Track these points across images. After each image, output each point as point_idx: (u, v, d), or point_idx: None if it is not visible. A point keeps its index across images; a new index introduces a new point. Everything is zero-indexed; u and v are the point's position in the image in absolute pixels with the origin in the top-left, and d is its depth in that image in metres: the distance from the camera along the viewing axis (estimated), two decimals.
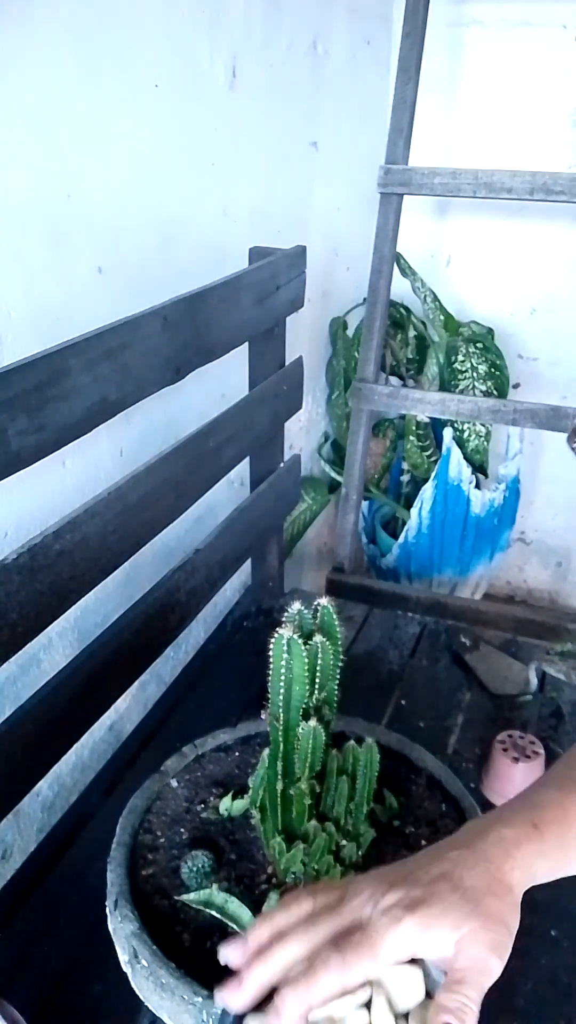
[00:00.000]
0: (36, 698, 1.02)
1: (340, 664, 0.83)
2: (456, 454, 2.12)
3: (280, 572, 1.75)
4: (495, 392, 2.13)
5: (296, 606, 0.80)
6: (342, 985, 0.54)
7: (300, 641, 0.76)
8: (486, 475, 2.23)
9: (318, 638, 0.79)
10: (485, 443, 2.18)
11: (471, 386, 2.13)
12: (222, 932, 0.81)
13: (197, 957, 0.79)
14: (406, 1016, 0.56)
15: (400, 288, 2.01)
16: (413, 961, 0.56)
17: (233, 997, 0.57)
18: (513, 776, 1.18)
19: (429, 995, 0.57)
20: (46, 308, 1.10)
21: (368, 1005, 0.56)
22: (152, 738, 1.33)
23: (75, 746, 1.11)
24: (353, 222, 2.09)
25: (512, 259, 2.30)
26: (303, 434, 2.14)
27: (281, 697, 0.79)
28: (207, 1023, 0.72)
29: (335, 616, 0.82)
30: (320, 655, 0.80)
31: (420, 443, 2.20)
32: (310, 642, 0.79)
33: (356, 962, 0.54)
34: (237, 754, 1.03)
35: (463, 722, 1.36)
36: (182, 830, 0.93)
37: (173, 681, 1.51)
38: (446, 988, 0.54)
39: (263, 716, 0.82)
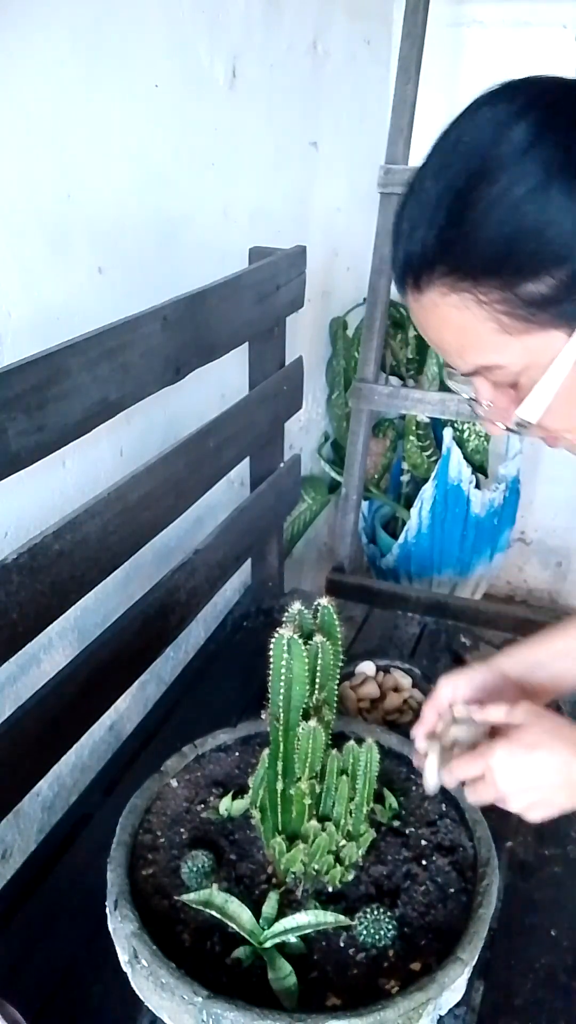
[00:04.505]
0: (36, 698, 1.02)
1: (340, 664, 0.83)
2: (456, 454, 2.12)
3: (280, 572, 1.75)
4: None
5: (296, 606, 0.80)
6: None
7: (300, 641, 0.76)
8: (486, 475, 2.23)
9: (318, 638, 0.79)
10: (485, 443, 2.18)
11: None
12: (222, 932, 0.81)
13: (197, 957, 0.79)
14: None
15: None
16: None
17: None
18: None
19: None
20: (46, 308, 1.10)
21: None
22: (152, 738, 1.33)
23: (75, 746, 1.11)
24: (353, 222, 2.09)
25: None
26: (303, 434, 2.14)
27: (281, 697, 0.78)
28: (207, 1023, 0.72)
29: (335, 616, 0.82)
30: (320, 655, 0.80)
31: (420, 443, 2.20)
32: (310, 642, 0.79)
33: None
34: (237, 754, 1.03)
35: None
36: (182, 830, 0.93)
37: (173, 681, 1.51)
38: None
39: (263, 716, 0.82)
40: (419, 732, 0.88)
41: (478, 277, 0.62)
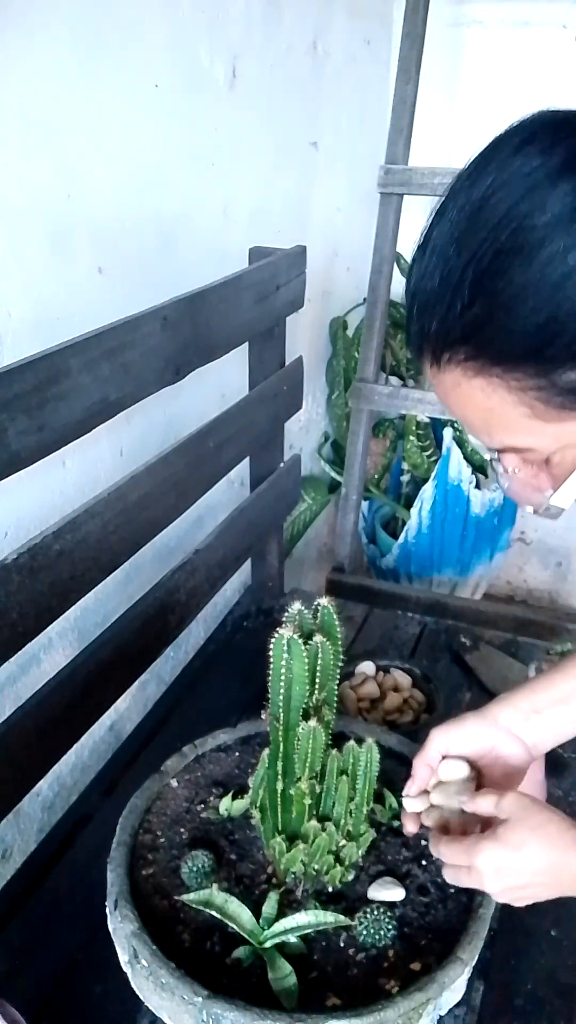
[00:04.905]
0: (36, 698, 1.02)
1: (340, 664, 0.83)
2: (456, 454, 2.12)
3: (280, 572, 1.75)
4: None
5: (296, 606, 0.80)
6: None
7: (300, 641, 0.76)
8: (486, 475, 2.23)
9: (318, 638, 0.79)
10: None
11: None
12: (222, 932, 0.81)
13: (197, 957, 0.79)
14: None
15: (400, 288, 2.00)
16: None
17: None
18: None
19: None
20: (46, 308, 1.10)
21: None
22: (152, 738, 1.33)
23: (75, 746, 1.11)
24: (353, 222, 2.09)
25: None
26: (303, 434, 2.14)
27: (281, 697, 0.78)
28: (207, 1023, 0.72)
29: (335, 616, 0.82)
30: (320, 655, 0.80)
31: (420, 443, 2.20)
32: (310, 642, 0.79)
33: None
34: (237, 754, 1.03)
35: None
36: (182, 830, 0.93)
37: (173, 681, 1.51)
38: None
39: (263, 716, 0.82)
40: (411, 790, 0.84)
41: (509, 364, 0.56)
